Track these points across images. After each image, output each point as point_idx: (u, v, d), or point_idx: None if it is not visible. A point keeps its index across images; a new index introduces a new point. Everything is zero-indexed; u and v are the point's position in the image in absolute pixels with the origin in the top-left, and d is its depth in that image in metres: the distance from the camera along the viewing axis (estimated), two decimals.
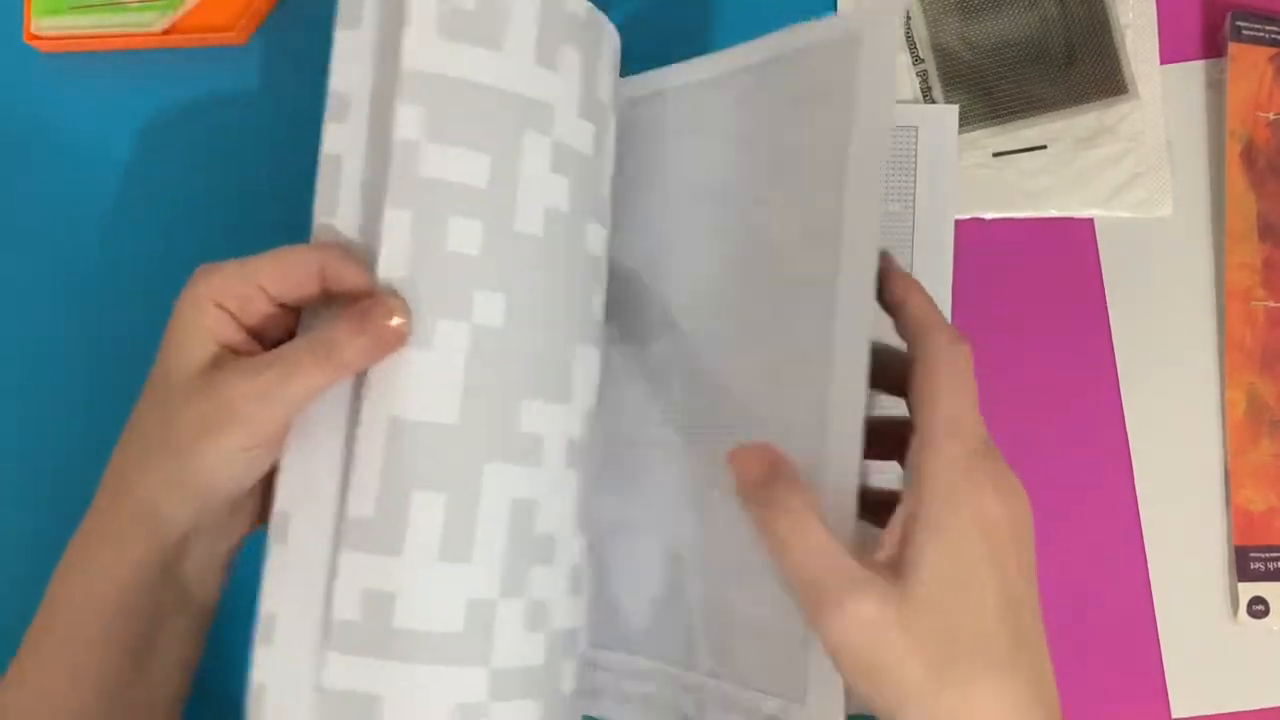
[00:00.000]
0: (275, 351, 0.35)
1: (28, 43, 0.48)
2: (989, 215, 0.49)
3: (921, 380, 0.34)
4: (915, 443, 0.33)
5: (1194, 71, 0.50)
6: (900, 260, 0.47)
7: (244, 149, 0.49)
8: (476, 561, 0.36)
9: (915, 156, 0.48)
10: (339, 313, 0.35)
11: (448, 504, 0.36)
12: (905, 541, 0.32)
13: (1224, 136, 0.49)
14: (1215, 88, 0.50)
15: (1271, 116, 0.49)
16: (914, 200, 0.47)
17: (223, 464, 0.35)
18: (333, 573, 0.35)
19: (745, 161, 0.41)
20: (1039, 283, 0.49)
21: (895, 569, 0.32)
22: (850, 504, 0.34)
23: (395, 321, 0.35)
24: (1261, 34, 0.49)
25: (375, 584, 0.35)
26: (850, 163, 0.36)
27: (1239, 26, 0.49)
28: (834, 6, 0.50)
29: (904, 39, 0.50)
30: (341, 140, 0.37)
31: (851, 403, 0.34)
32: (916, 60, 0.49)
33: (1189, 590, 0.48)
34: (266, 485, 0.37)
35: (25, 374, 0.48)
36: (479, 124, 0.37)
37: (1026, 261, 0.49)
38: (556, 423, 0.38)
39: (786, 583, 0.32)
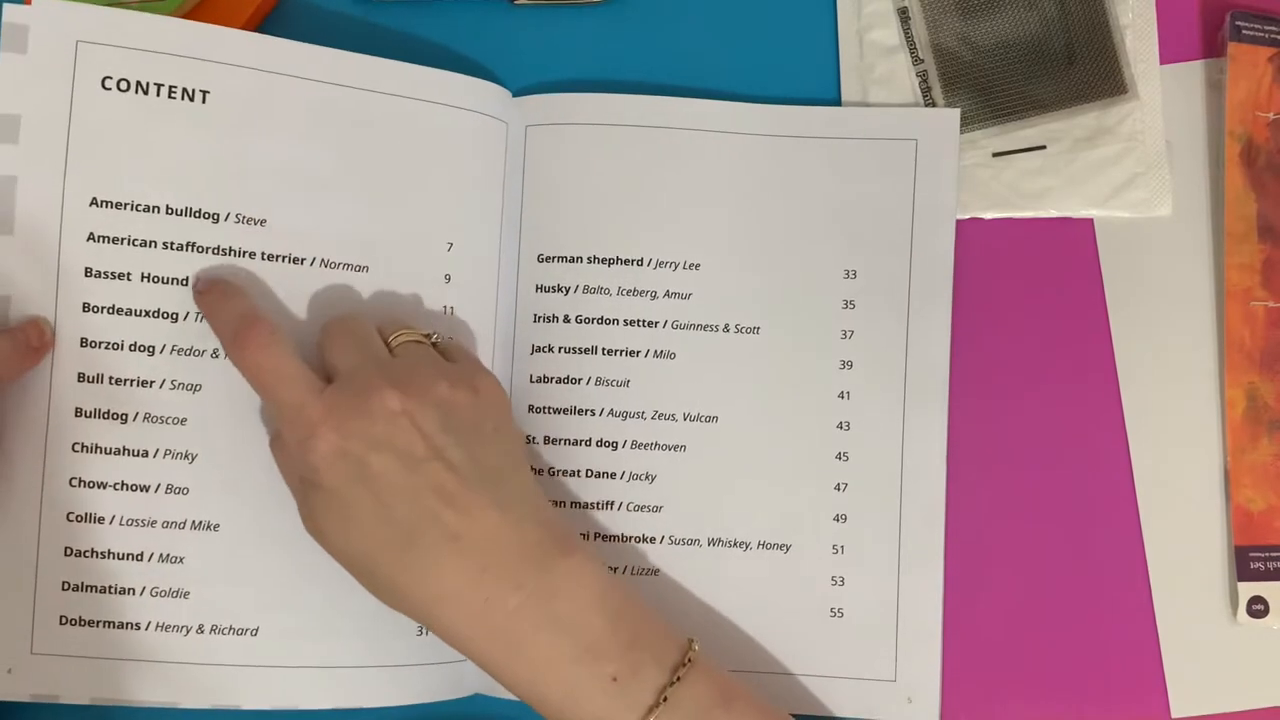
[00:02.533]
0: None
1: None
2: (989, 215, 0.49)
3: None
4: None
5: (1194, 71, 0.50)
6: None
7: None
8: None
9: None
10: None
11: None
12: None
13: (1223, 136, 0.49)
14: (1215, 88, 0.50)
15: (1271, 116, 0.49)
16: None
17: None
18: None
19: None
20: (1039, 283, 0.49)
21: None
22: None
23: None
24: (1261, 34, 0.49)
25: None
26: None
27: (1239, 26, 0.49)
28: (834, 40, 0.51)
29: (903, 39, 0.50)
30: None
31: None
32: (916, 60, 0.50)
33: (1189, 590, 0.48)
34: None
35: None
36: None
37: (1026, 261, 0.49)
38: None
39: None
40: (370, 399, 0.38)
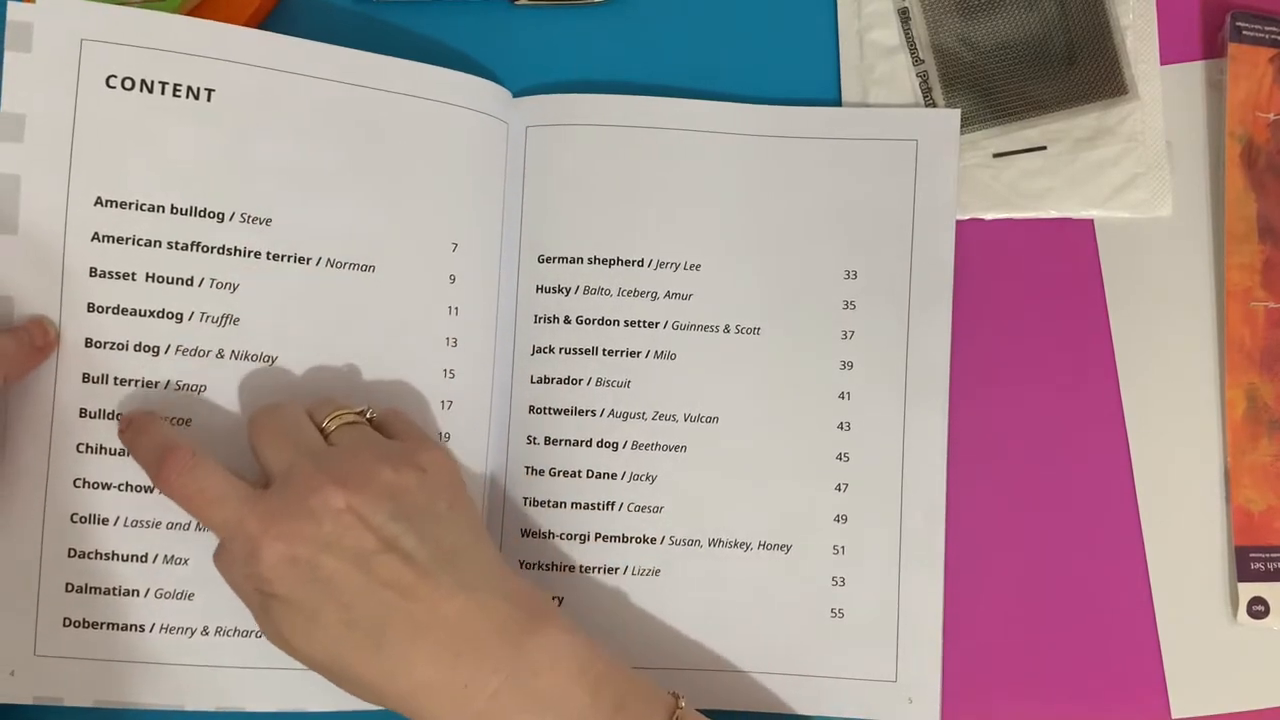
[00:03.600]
0: None
1: None
2: (989, 215, 0.50)
3: None
4: None
5: (1194, 72, 0.51)
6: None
7: None
8: None
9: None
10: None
11: None
12: None
13: (1224, 137, 0.49)
14: (1215, 88, 0.50)
15: (1271, 117, 0.50)
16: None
17: None
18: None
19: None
20: (1039, 283, 0.50)
21: None
22: None
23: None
24: (1261, 34, 0.50)
25: None
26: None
27: (1239, 27, 0.50)
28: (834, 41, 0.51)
29: (904, 39, 0.50)
30: None
31: None
32: (916, 61, 0.50)
33: (1189, 590, 0.48)
34: None
35: None
36: None
37: (1026, 261, 0.50)
38: None
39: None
40: (310, 499, 0.37)
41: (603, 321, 0.47)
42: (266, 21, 0.49)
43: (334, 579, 0.37)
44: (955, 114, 0.49)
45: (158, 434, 0.41)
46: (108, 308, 0.42)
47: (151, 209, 0.43)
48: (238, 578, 0.39)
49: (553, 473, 0.47)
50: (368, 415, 0.42)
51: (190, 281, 0.43)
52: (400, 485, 0.38)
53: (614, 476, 0.47)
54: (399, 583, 0.37)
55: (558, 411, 0.47)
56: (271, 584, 0.37)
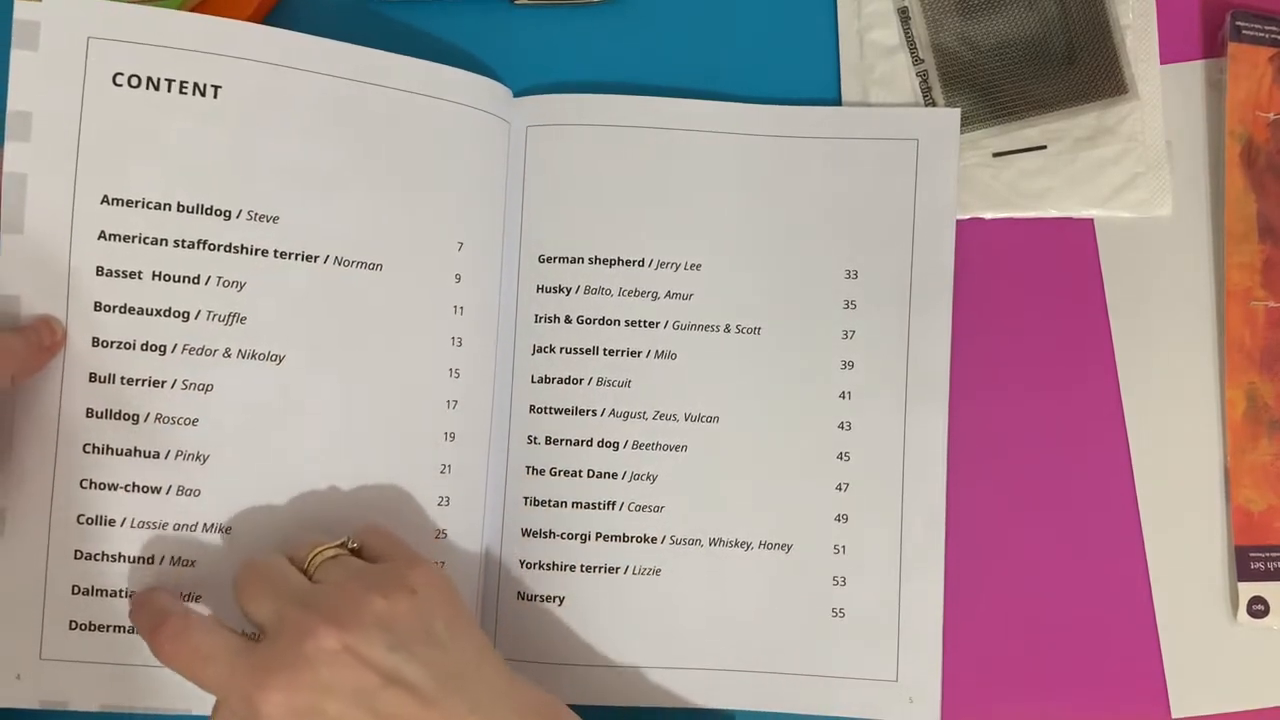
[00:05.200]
0: None
1: None
2: (989, 215, 0.50)
3: None
4: None
5: (1194, 71, 0.51)
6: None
7: None
8: None
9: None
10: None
11: None
12: None
13: (1224, 136, 0.49)
14: (1215, 88, 0.51)
15: (1271, 116, 0.50)
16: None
17: None
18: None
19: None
20: (1039, 283, 0.50)
21: None
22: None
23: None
24: (1261, 34, 0.50)
25: None
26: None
27: (1239, 26, 0.50)
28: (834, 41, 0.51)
29: (904, 39, 0.50)
30: None
31: None
32: (916, 60, 0.50)
33: (1189, 590, 0.48)
34: None
35: None
36: None
37: (1026, 261, 0.50)
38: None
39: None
40: (304, 645, 0.36)
41: (603, 321, 0.48)
42: (267, 20, 0.49)
43: None
44: (955, 113, 0.49)
45: (154, 604, 0.40)
46: (114, 307, 0.42)
47: (158, 207, 0.43)
48: None
49: (553, 472, 0.47)
50: (350, 545, 0.41)
51: (197, 280, 0.43)
52: (393, 613, 0.38)
53: (614, 476, 0.47)
54: (408, 714, 0.36)
55: (558, 411, 0.47)
56: None
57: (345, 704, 0.36)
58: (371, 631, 0.37)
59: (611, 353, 0.48)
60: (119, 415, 0.43)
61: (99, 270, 0.42)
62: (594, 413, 0.47)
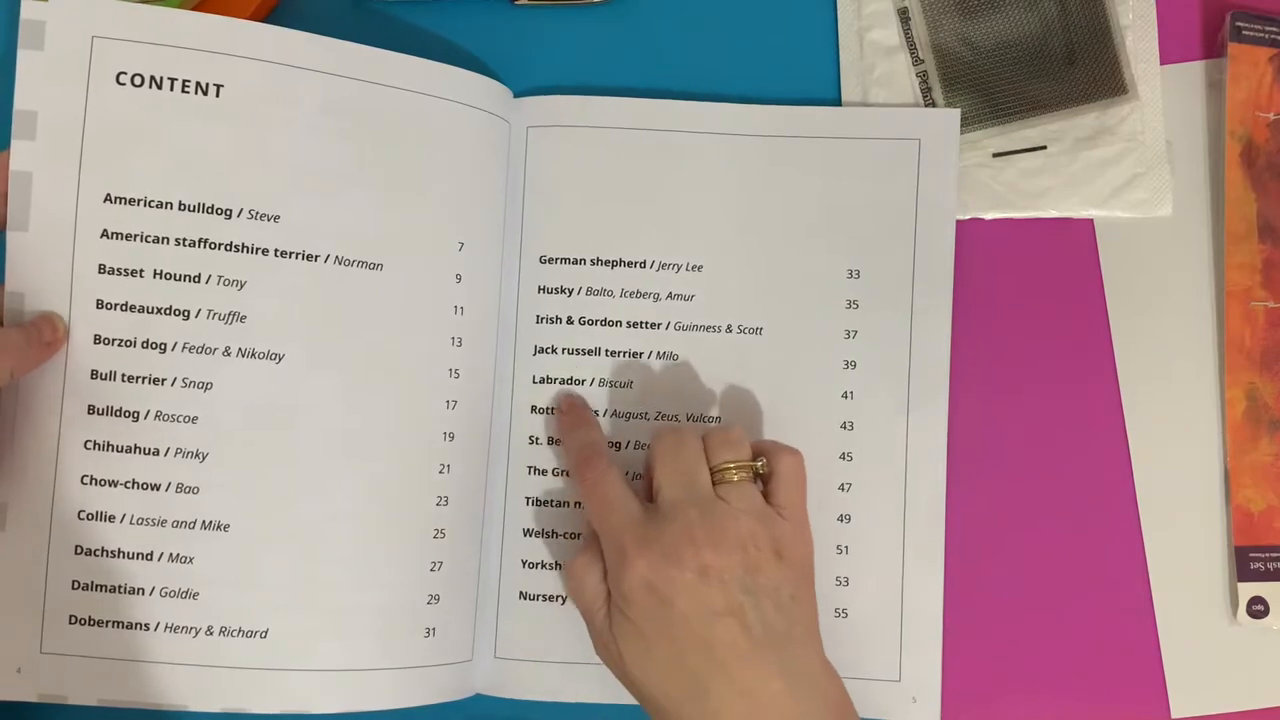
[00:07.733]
0: None
1: None
2: (989, 215, 0.50)
3: None
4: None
5: (1194, 71, 0.51)
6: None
7: None
8: None
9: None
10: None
11: None
12: None
13: (1224, 137, 0.50)
14: (1215, 88, 0.51)
15: (1271, 117, 0.50)
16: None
17: None
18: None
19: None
20: (1039, 283, 0.50)
21: None
22: None
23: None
24: (1261, 34, 0.50)
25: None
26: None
27: (1239, 27, 0.50)
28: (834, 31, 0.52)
29: (903, 39, 0.51)
30: None
31: None
32: (916, 60, 0.51)
33: (1189, 590, 0.49)
34: None
35: None
36: None
37: (1026, 261, 0.50)
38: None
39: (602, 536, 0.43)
40: (684, 548, 0.41)
41: (605, 322, 0.48)
42: (269, 19, 0.49)
43: (679, 623, 0.40)
44: (955, 114, 0.49)
45: (589, 434, 0.46)
46: (116, 304, 0.43)
47: (159, 206, 0.43)
48: (594, 581, 0.43)
49: (555, 472, 0.48)
50: (760, 470, 0.44)
51: (198, 279, 0.43)
52: (760, 563, 0.41)
53: None
54: (734, 646, 0.40)
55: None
56: (629, 601, 0.41)
57: (691, 609, 0.40)
58: (738, 570, 0.41)
59: (613, 354, 0.48)
60: (119, 412, 0.43)
61: (101, 268, 0.43)
62: (596, 414, 0.48)
